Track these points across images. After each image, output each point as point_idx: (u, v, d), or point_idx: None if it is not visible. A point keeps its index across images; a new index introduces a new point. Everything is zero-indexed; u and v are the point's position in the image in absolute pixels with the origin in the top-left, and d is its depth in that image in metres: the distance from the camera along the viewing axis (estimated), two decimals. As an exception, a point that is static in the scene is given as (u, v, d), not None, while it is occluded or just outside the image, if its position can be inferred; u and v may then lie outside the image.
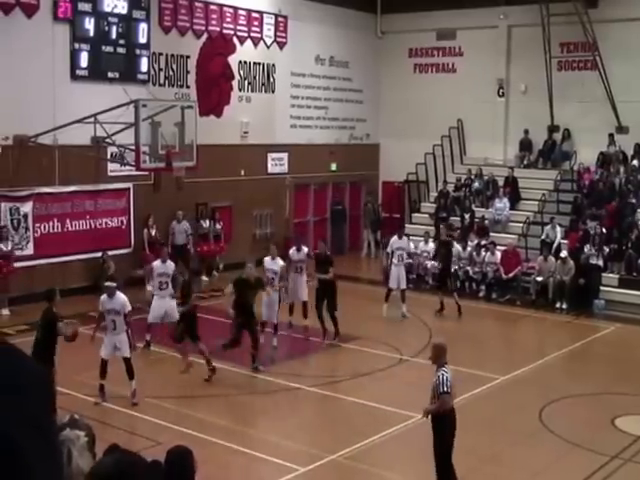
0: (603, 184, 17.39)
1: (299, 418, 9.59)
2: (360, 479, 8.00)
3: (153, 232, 15.80)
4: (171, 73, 16.70)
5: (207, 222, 17.07)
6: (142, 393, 9.88)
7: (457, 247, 16.51)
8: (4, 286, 13.34)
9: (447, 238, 15.34)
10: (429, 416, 7.01)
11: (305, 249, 12.75)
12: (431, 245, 16.85)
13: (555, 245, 16.25)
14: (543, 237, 16.52)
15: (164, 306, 11.30)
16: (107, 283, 9.86)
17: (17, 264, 13.59)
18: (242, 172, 18.09)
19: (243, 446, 8.24)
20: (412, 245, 17.18)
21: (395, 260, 14.05)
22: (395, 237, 14.50)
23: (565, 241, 16.37)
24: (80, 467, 3.63)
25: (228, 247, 17.25)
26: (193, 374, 10.96)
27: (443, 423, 6.82)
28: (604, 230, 15.97)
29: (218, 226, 17.25)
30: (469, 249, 16.47)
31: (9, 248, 13.46)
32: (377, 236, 20.52)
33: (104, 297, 9.71)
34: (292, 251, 12.60)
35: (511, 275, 15.76)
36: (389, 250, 14.45)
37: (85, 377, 10.08)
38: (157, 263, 11.65)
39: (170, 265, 11.63)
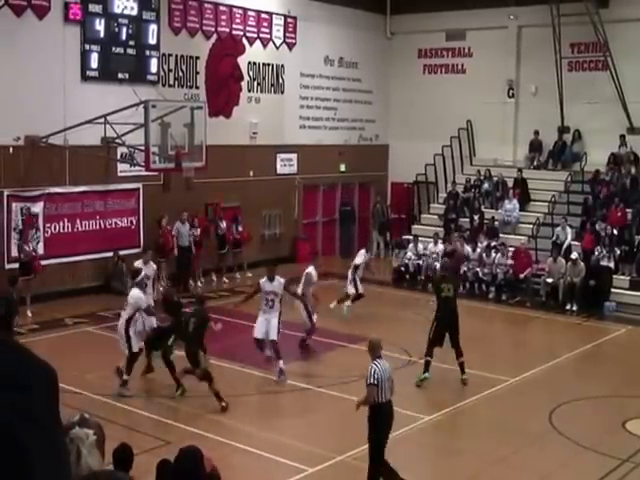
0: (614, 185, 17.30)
1: (308, 419, 9.58)
2: (369, 480, 7.97)
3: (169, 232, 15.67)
4: (181, 74, 16.75)
5: (224, 223, 17.01)
6: (153, 392, 9.91)
7: (467, 248, 16.47)
8: (26, 287, 13.37)
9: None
10: (365, 407, 7.23)
11: (281, 280, 10.73)
12: (440, 247, 16.80)
13: (565, 246, 16.17)
14: (554, 239, 16.43)
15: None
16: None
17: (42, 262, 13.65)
18: (251, 173, 18.12)
19: (252, 446, 8.23)
20: (421, 246, 17.17)
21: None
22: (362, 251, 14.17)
23: (576, 242, 16.29)
24: (89, 465, 3.64)
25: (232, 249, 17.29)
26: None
27: (376, 414, 6.99)
28: (615, 232, 15.89)
29: (240, 228, 17.20)
30: (479, 250, 16.41)
31: (31, 249, 13.54)
32: (386, 237, 20.48)
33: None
34: (263, 280, 10.74)
35: (522, 276, 15.68)
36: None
37: (95, 376, 10.12)
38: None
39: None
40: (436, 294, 10.78)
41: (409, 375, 10.95)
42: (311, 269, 12.29)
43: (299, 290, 11.82)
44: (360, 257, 14.00)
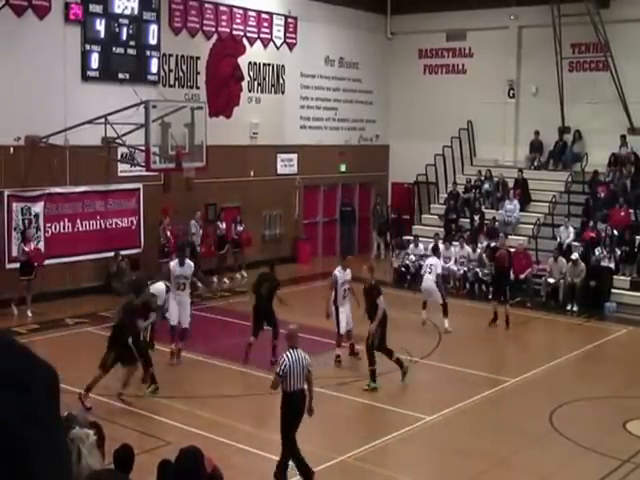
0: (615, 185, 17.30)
1: (308, 419, 9.57)
2: (369, 481, 7.98)
3: (168, 233, 15.60)
4: (181, 74, 16.75)
5: (223, 224, 16.98)
6: (153, 392, 9.88)
7: (467, 249, 16.46)
8: (27, 287, 13.36)
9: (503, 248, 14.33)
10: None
11: (190, 263, 10.99)
12: (440, 247, 16.73)
13: (565, 246, 16.14)
14: (558, 240, 16.32)
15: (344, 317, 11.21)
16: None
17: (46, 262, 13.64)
18: (251, 173, 18.12)
19: (252, 446, 8.23)
20: (422, 247, 17.12)
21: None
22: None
23: (577, 243, 16.27)
24: (90, 465, 3.64)
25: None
26: (202, 375, 10.97)
27: (285, 403, 7.23)
28: (615, 232, 15.88)
29: (240, 228, 17.17)
30: (479, 251, 16.41)
31: (31, 249, 13.54)
32: (386, 238, 20.47)
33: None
34: (173, 263, 11.02)
35: (522, 276, 15.66)
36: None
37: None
38: (338, 270, 11.28)
39: (349, 272, 11.24)
40: None
41: (410, 375, 10.94)
42: (336, 271, 11.52)
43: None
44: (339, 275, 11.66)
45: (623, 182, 17.34)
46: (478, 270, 16.21)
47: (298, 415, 7.22)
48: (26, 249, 13.44)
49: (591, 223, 16.33)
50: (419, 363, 11.43)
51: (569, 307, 15.03)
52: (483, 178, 19.18)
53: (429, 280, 13.27)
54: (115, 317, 9.87)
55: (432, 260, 13.65)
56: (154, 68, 15.92)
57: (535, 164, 19.33)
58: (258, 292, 11.23)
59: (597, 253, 15.54)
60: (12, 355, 0.89)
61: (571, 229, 16.44)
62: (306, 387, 7.29)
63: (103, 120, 13.31)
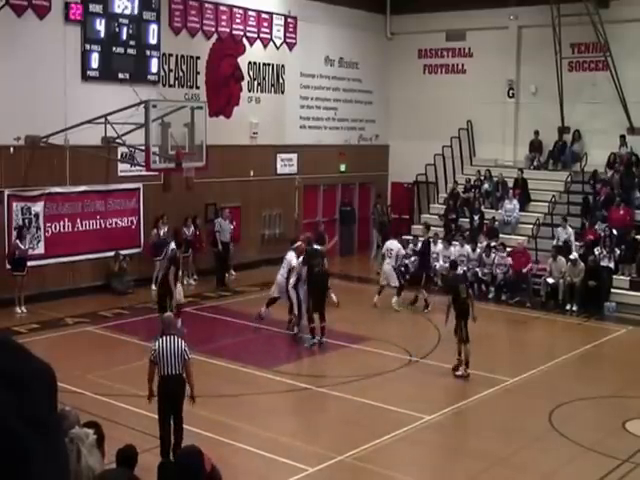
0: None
1: (308, 419, 9.58)
2: (369, 480, 7.99)
3: (162, 232, 15.65)
4: (181, 74, 16.75)
5: (191, 227, 16.87)
6: (153, 392, 9.89)
7: (467, 248, 16.47)
8: (20, 284, 13.39)
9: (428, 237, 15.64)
10: None
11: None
12: (440, 246, 16.79)
13: (564, 242, 16.12)
14: (555, 242, 16.33)
15: None
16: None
17: (28, 263, 13.63)
18: (251, 173, 18.12)
19: (252, 446, 8.24)
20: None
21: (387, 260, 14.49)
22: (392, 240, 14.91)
23: (577, 243, 16.27)
24: (89, 465, 3.64)
25: (237, 247, 17.23)
26: (202, 374, 10.98)
27: (158, 385, 7.62)
28: (614, 232, 15.88)
29: (190, 230, 16.80)
30: (478, 250, 16.41)
31: (26, 247, 13.54)
32: (386, 237, 20.45)
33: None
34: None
35: (524, 271, 15.62)
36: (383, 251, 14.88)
37: (96, 376, 10.12)
38: (293, 258, 12.38)
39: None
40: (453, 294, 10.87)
41: (410, 375, 10.96)
42: (293, 258, 12.33)
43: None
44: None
45: (622, 182, 17.34)
46: (478, 270, 16.22)
47: (172, 399, 7.55)
48: (21, 246, 13.43)
49: (587, 223, 16.32)
50: (419, 363, 11.44)
51: (568, 307, 15.03)
52: (483, 178, 19.18)
53: (387, 264, 14.35)
54: None
55: (391, 244, 14.64)
56: (154, 68, 15.92)
57: (535, 164, 19.34)
58: (311, 269, 11.76)
59: (596, 253, 15.55)
60: (9, 354, 0.89)
61: (569, 229, 16.44)
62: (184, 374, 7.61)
63: (103, 120, 13.31)
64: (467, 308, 10.83)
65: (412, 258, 15.72)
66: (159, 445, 7.53)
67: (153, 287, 14.59)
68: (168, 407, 7.56)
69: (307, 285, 11.75)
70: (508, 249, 16.22)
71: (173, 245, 13.25)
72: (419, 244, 16.35)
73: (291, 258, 12.42)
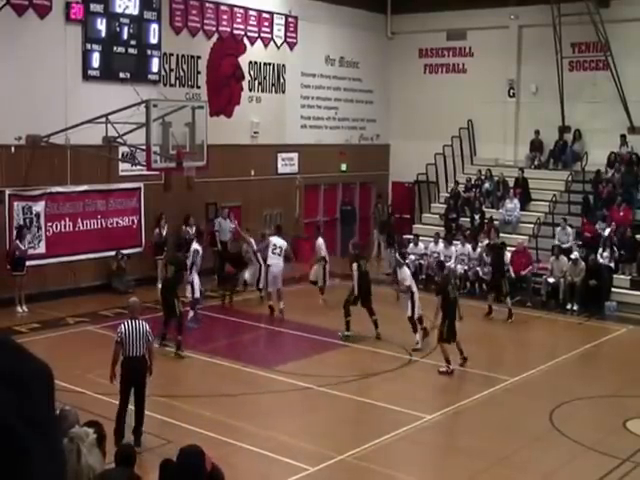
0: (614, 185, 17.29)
1: (309, 418, 9.59)
2: (369, 479, 7.99)
3: (164, 232, 15.65)
4: (182, 73, 16.76)
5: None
6: (153, 392, 9.91)
7: (467, 247, 16.47)
8: (20, 284, 13.41)
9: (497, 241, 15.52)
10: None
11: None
12: (440, 246, 16.79)
13: (565, 246, 16.12)
14: (556, 242, 16.32)
15: None
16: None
17: (29, 262, 13.63)
18: (252, 172, 18.13)
19: (253, 445, 8.24)
20: (422, 246, 17.16)
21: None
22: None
23: (576, 242, 16.27)
24: (89, 464, 3.65)
25: (237, 247, 17.19)
26: (203, 374, 11.00)
27: (122, 365, 8.06)
28: (615, 231, 15.86)
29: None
30: (479, 250, 16.41)
31: (25, 247, 13.55)
32: (387, 237, 20.45)
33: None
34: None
35: (523, 273, 15.64)
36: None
37: (96, 375, 10.12)
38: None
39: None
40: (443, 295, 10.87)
41: (410, 375, 10.97)
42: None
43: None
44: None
45: (623, 181, 17.33)
46: (478, 269, 16.22)
47: (136, 378, 7.99)
48: (21, 246, 13.43)
49: (586, 221, 16.30)
50: (419, 362, 11.44)
51: (569, 306, 15.03)
52: (483, 177, 19.18)
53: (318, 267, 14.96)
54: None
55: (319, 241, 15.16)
56: (155, 67, 15.93)
57: (535, 163, 19.33)
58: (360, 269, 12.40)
59: (597, 252, 15.54)
60: (9, 353, 0.89)
61: (569, 230, 16.43)
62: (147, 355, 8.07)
63: (104, 119, 13.33)
64: (455, 308, 10.94)
65: (486, 268, 15.48)
66: (114, 423, 7.78)
67: (159, 286, 14.53)
68: (130, 387, 7.97)
69: (356, 283, 12.58)
70: (510, 249, 16.20)
71: (196, 245, 13.12)
72: (440, 244, 16.45)
73: (282, 243, 14.12)
